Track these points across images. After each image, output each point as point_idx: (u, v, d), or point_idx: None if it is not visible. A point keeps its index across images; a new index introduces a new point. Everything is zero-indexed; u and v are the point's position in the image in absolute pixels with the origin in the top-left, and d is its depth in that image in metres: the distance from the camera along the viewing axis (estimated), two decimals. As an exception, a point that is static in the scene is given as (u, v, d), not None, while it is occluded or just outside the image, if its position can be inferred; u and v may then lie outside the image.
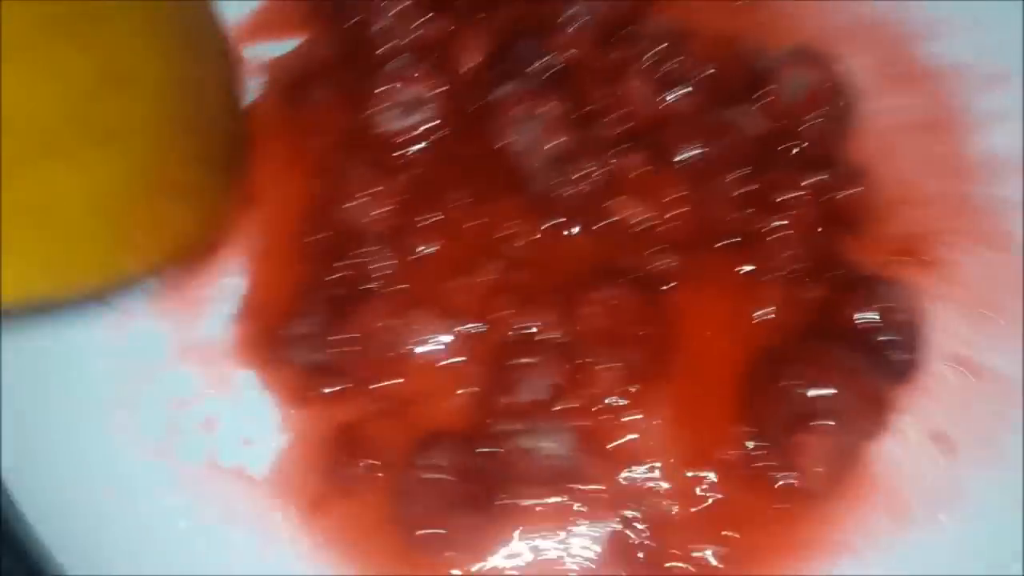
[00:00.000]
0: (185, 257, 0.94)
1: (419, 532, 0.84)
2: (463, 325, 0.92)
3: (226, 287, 0.97)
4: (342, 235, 0.96)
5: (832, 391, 0.80)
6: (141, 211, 0.79)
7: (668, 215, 0.94)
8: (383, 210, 0.96)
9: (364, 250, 0.94)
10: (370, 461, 0.90)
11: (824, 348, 0.84)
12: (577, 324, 0.90)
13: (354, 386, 0.91)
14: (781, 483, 0.83)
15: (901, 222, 0.97)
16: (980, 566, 0.85)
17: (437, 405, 0.90)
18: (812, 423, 0.79)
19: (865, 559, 0.84)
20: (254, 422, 0.92)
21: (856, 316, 0.87)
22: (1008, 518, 0.86)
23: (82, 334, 0.93)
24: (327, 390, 0.92)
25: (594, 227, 0.95)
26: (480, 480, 0.85)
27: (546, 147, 0.96)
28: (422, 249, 0.95)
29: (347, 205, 0.95)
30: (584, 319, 0.90)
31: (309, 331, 0.92)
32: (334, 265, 0.94)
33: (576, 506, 0.86)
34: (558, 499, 0.86)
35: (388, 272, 0.94)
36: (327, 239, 0.96)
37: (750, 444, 0.85)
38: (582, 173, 0.94)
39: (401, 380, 0.91)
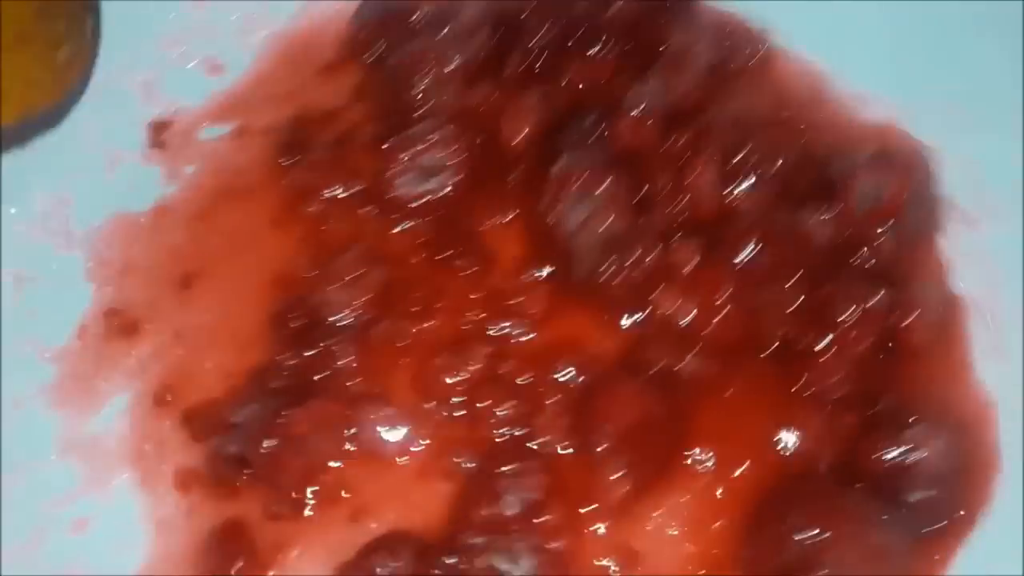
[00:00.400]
0: (30, 108, 0.92)
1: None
2: (439, 412, 0.88)
3: (142, 372, 0.93)
4: (312, 321, 0.91)
5: (834, 542, 0.76)
6: None
7: (715, 316, 0.89)
8: (360, 301, 0.92)
9: (328, 342, 0.90)
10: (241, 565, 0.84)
11: (840, 492, 0.80)
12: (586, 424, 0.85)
13: (262, 482, 0.86)
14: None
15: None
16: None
17: (400, 512, 0.85)
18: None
19: None
20: (128, 524, 0.87)
21: (886, 459, 0.82)
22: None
23: None
24: (239, 479, 0.87)
25: (635, 318, 0.91)
26: None
27: (600, 227, 0.91)
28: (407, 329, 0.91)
29: (329, 289, 0.92)
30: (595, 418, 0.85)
31: (244, 421, 0.87)
32: (291, 352, 0.90)
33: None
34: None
35: (349, 365, 0.89)
36: (296, 321, 0.92)
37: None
38: (632, 260, 0.90)
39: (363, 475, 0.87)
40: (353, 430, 0.87)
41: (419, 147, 0.95)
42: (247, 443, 0.85)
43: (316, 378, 0.89)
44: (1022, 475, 0.84)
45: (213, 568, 0.83)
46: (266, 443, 0.84)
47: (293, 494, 0.85)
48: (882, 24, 1.05)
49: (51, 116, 0.98)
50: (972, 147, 0.99)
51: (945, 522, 0.83)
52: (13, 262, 0.94)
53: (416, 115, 0.98)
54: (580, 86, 1.00)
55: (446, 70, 0.99)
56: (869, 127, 1.02)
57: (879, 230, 0.92)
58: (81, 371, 0.92)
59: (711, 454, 0.86)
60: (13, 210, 0.96)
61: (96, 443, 0.89)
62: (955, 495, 0.84)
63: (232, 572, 0.83)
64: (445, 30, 1.01)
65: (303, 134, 1.03)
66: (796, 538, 0.77)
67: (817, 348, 0.87)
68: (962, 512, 0.83)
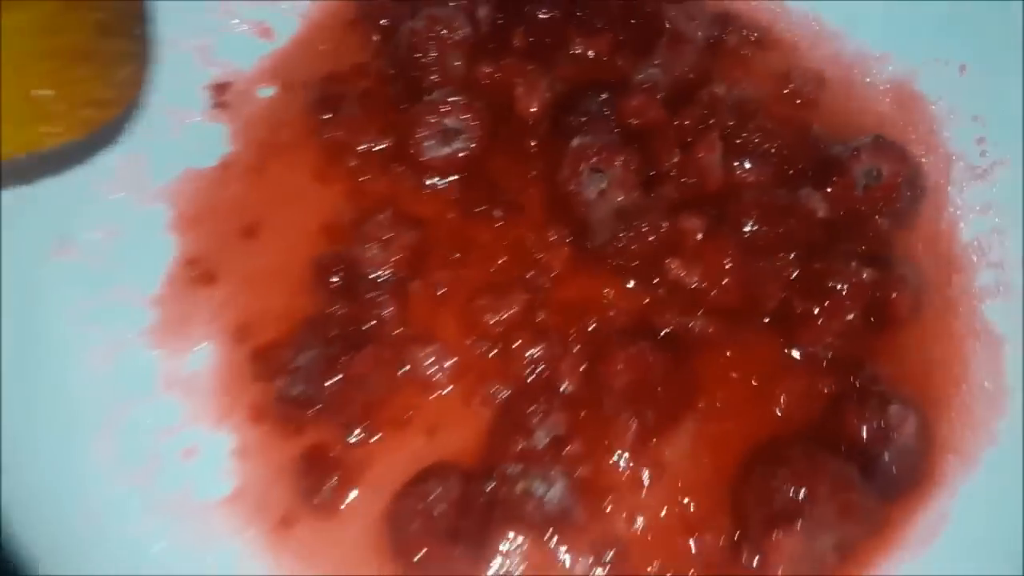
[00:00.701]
0: (96, 122, 0.95)
1: (403, 556, 0.89)
2: (477, 349, 0.98)
3: (220, 315, 1.02)
4: (353, 273, 1.00)
5: (816, 498, 0.86)
6: (51, 76, 0.85)
7: (717, 283, 0.99)
8: (394, 259, 1.00)
9: (373, 295, 0.99)
10: (336, 481, 0.93)
11: (823, 454, 0.89)
12: (602, 373, 0.95)
13: (331, 416, 0.95)
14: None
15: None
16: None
17: (446, 436, 0.95)
18: (790, 524, 0.85)
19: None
20: (230, 452, 0.96)
21: (862, 428, 0.91)
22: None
23: (73, 361, 0.97)
24: (306, 414, 0.96)
25: (644, 282, 1.00)
26: (472, 514, 0.89)
27: (615, 200, 1.00)
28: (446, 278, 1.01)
29: (365, 248, 1.00)
30: (610, 371, 0.95)
31: (304, 365, 0.96)
32: (340, 303, 0.99)
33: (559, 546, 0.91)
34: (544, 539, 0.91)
35: (392, 314, 0.99)
36: (338, 273, 1.01)
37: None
38: (644, 229, 0.99)
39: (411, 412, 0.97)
40: (406, 367, 0.98)
41: (438, 113, 1.03)
42: (310, 384, 0.95)
43: (365, 327, 0.99)
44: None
45: (309, 486, 0.93)
46: (328, 383, 0.94)
47: (356, 426, 0.96)
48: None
49: (114, 130, 1.05)
50: (977, 104, 1.07)
51: (908, 489, 0.93)
52: (100, 219, 1.05)
53: (429, 82, 1.07)
54: (586, 59, 1.09)
55: (453, 40, 1.07)
56: (868, 112, 1.09)
57: (879, 206, 1.00)
58: (172, 315, 1.02)
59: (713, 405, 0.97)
60: (95, 167, 1.06)
61: (192, 380, 0.99)
62: (919, 467, 0.94)
63: (328, 486, 0.93)
64: (451, 2, 1.09)
65: (335, 90, 1.12)
66: (781, 491, 0.87)
67: (810, 314, 0.96)
68: (922, 483, 0.93)
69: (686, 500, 0.93)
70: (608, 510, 0.93)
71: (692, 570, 0.91)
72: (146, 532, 0.92)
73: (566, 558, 0.91)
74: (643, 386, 0.94)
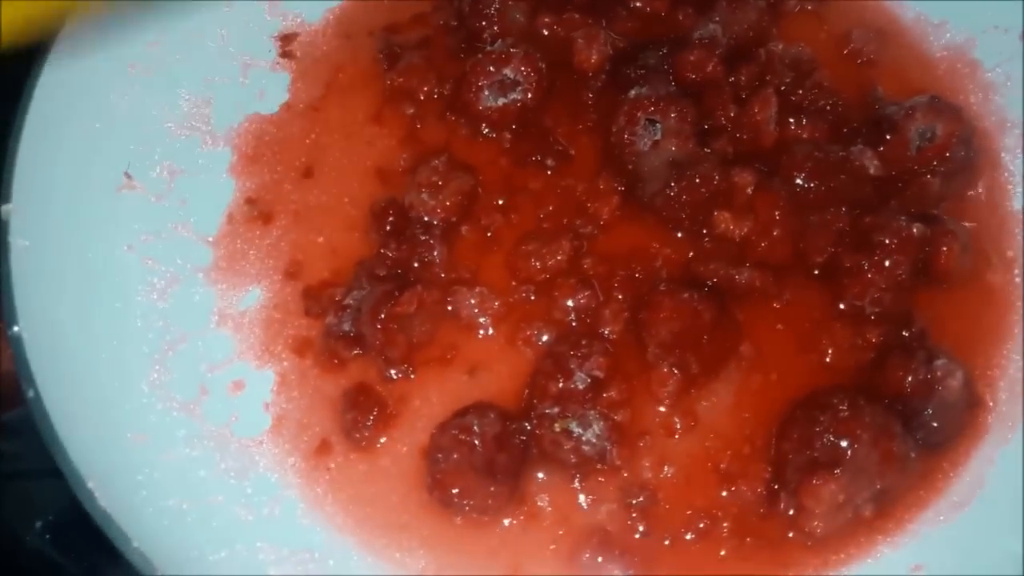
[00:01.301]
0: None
1: (440, 488, 0.90)
2: (521, 293, 0.99)
3: (275, 253, 1.04)
4: (404, 217, 1.02)
5: (858, 445, 0.85)
6: None
7: (767, 236, 0.99)
8: (447, 203, 1.01)
9: (424, 237, 1.01)
10: (377, 415, 0.95)
11: (867, 402, 0.88)
12: (646, 321, 0.95)
13: (376, 353, 0.96)
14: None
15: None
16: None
17: (487, 376, 0.97)
18: (830, 470, 0.85)
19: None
20: (274, 384, 0.99)
21: (907, 380, 0.90)
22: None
23: (132, 292, 1.00)
24: (352, 351, 0.98)
25: (692, 234, 1.01)
26: (509, 451, 0.90)
27: (668, 151, 1.01)
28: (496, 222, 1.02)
29: (419, 193, 1.02)
30: (655, 318, 0.95)
31: (353, 303, 0.98)
32: (391, 245, 1.01)
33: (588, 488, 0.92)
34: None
35: (440, 256, 1.01)
36: (391, 217, 1.02)
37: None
38: (696, 181, 1.00)
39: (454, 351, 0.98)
40: (451, 308, 0.99)
41: (497, 63, 1.05)
42: (359, 322, 0.98)
43: (415, 265, 1.01)
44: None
45: (352, 420, 0.95)
46: (376, 321, 0.96)
47: (400, 364, 0.98)
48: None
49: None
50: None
51: (949, 445, 0.93)
52: (165, 156, 1.08)
53: (489, 32, 1.09)
54: (646, 15, 1.10)
55: None
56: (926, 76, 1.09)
57: (931, 166, 1.00)
58: (230, 253, 1.05)
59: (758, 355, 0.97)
60: (162, 108, 1.09)
61: (245, 316, 1.02)
62: (960, 424, 0.93)
63: (369, 421, 0.95)
64: None
65: (397, 40, 1.15)
66: (822, 438, 0.87)
67: (859, 268, 0.96)
68: (963, 440, 0.93)
69: (725, 449, 0.93)
70: (643, 456, 0.93)
71: (726, 521, 0.91)
72: (192, 458, 0.94)
73: (594, 501, 0.92)
74: (687, 336, 0.94)
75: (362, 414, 0.96)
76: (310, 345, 1.01)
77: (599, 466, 0.92)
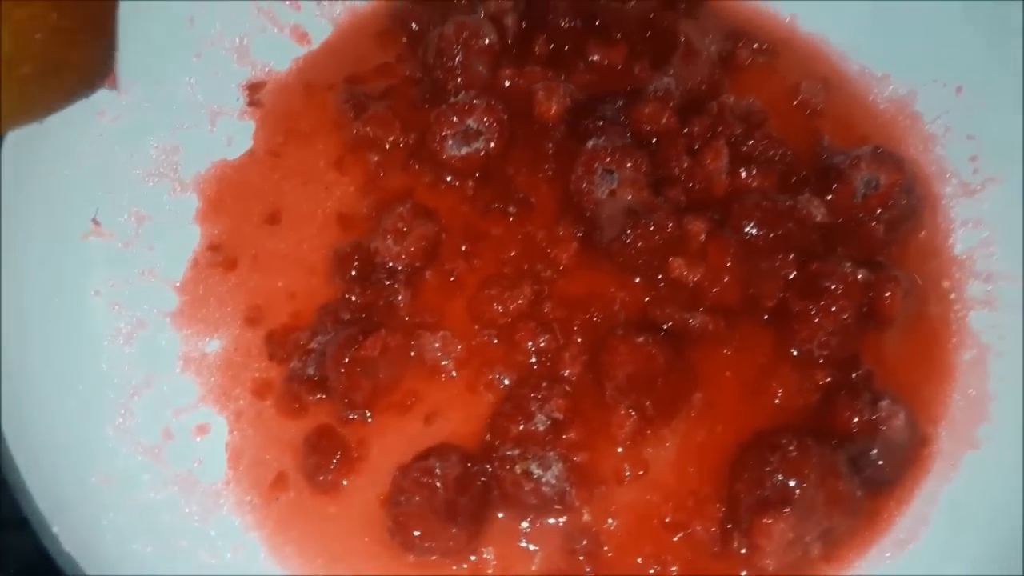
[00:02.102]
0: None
1: (402, 531, 0.90)
2: (483, 337, 1.01)
3: (239, 299, 1.05)
4: (369, 263, 1.04)
5: (806, 484, 0.87)
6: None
7: (718, 282, 1.02)
8: (410, 250, 1.03)
9: (388, 282, 1.03)
10: (340, 460, 0.96)
11: (814, 442, 0.90)
12: (604, 364, 0.97)
13: (339, 398, 0.97)
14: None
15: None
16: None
17: (448, 421, 0.98)
18: (780, 509, 0.86)
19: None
20: (239, 431, 0.99)
21: (853, 421, 0.93)
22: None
23: (98, 338, 1.00)
24: (314, 395, 0.99)
25: (648, 279, 1.03)
26: (470, 493, 0.91)
27: (624, 199, 1.04)
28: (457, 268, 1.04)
29: (384, 239, 1.03)
30: (612, 361, 0.97)
31: (318, 347, 0.99)
32: (356, 290, 1.03)
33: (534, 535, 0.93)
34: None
35: (404, 301, 1.02)
36: (355, 262, 1.04)
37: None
38: (651, 228, 1.02)
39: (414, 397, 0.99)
40: (414, 352, 1.00)
41: (461, 114, 1.07)
42: (322, 366, 0.98)
43: (380, 309, 1.02)
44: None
45: (314, 464, 0.96)
46: (340, 366, 0.96)
47: (363, 408, 0.99)
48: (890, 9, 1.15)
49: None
50: (971, 123, 1.11)
51: (894, 484, 0.95)
52: (133, 203, 1.08)
53: (453, 84, 1.11)
54: (604, 68, 1.13)
55: (479, 47, 1.11)
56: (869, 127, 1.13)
57: (875, 214, 1.03)
58: (195, 299, 1.06)
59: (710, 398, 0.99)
60: (131, 156, 1.10)
61: (209, 361, 1.03)
62: (905, 463, 0.96)
63: (332, 464, 0.96)
64: (480, 10, 1.14)
65: (363, 90, 1.17)
66: (772, 477, 0.89)
67: (806, 313, 0.98)
68: (907, 479, 0.96)
69: (677, 492, 0.95)
70: (599, 499, 0.94)
71: (675, 565, 0.92)
72: (156, 502, 0.94)
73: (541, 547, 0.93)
74: (643, 378, 0.96)
75: (325, 458, 0.96)
76: (272, 389, 1.01)
77: (557, 507, 0.93)
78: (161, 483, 0.95)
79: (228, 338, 1.04)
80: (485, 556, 0.93)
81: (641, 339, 0.97)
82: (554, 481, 0.92)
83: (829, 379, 0.98)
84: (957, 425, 1.00)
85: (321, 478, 0.96)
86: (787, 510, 0.87)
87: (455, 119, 1.08)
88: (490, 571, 0.92)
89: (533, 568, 0.92)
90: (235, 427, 1.00)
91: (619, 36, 1.18)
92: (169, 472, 0.96)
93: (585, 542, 0.93)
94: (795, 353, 1.00)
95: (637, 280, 1.04)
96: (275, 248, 1.08)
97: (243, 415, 1.00)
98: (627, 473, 0.96)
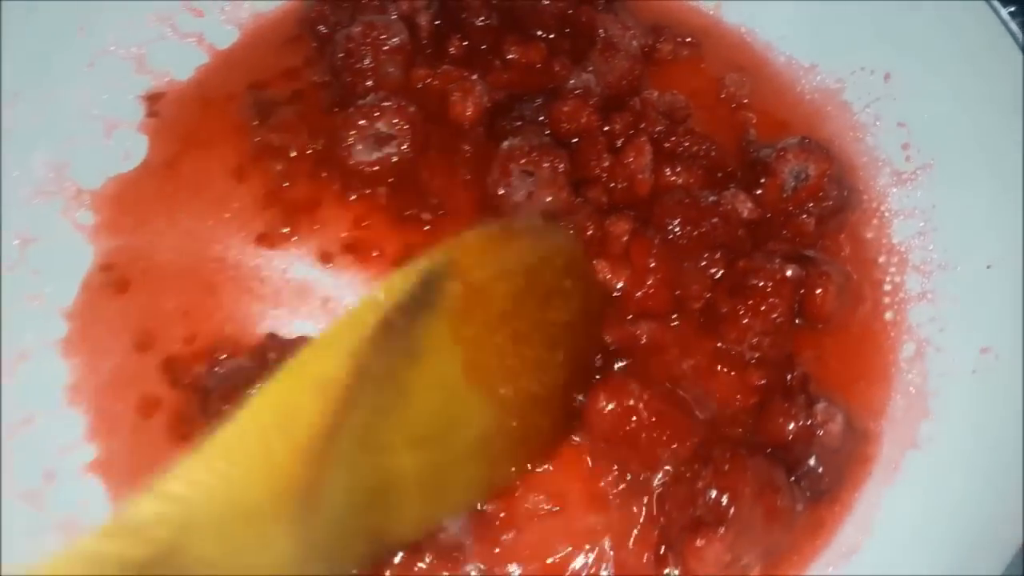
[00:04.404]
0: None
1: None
2: None
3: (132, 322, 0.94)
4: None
5: (741, 501, 0.80)
6: None
7: (644, 284, 0.94)
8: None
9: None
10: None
11: (747, 455, 0.82)
12: None
13: None
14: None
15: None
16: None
17: None
18: (713, 530, 0.79)
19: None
20: (126, 466, 0.88)
21: (788, 427, 0.85)
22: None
23: None
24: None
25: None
26: None
27: (543, 201, 0.96)
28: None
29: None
30: None
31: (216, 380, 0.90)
32: None
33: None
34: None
35: None
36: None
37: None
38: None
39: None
40: None
41: (370, 118, 0.98)
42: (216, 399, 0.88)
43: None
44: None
45: None
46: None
47: None
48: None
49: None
50: (901, 110, 1.04)
51: (834, 492, 0.87)
52: (18, 224, 0.98)
53: (363, 87, 1.02)
54: (522, 66, 1.05)
55: (389, 47, 1.03)
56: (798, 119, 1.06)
57: (806, 207, 0.96)
58: (86, 323, 0.95)
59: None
60: (16, 173, 1.00)
61: (97, 390, 0.92)
62: (845, 469, 0.88)
63: None
64: (391, 9, 1.06)
65: (269, 96, 1.08)
66: (704, 495, 0.81)
67: (735, 313, 0.90)
68: (848, 486, 0.88)
69: (611, 510, 0.87)
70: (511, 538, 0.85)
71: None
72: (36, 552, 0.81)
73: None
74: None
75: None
76: (165, 417, 0.91)
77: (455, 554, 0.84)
78: (40, 530, 0.84)
79: (119, 365, 0.93)
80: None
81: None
82: (458, 530, 0.84)
83: (763, 381, 0.90)
84: (897, 424, 0.92)
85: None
86: (722, 530, 0.79)
87: (363, 123, 0.99)
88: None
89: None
90: (121, 461, 0.89)
91: (537, 33, 1.10)
92: (49, 518, 0.85)
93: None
94: (726, 355, 0.92)
95: (561, 286, 0.94)
96: (167, 266, 0.98)
97: (131, 448, 0.90)
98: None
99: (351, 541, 0.73)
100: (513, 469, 0.83)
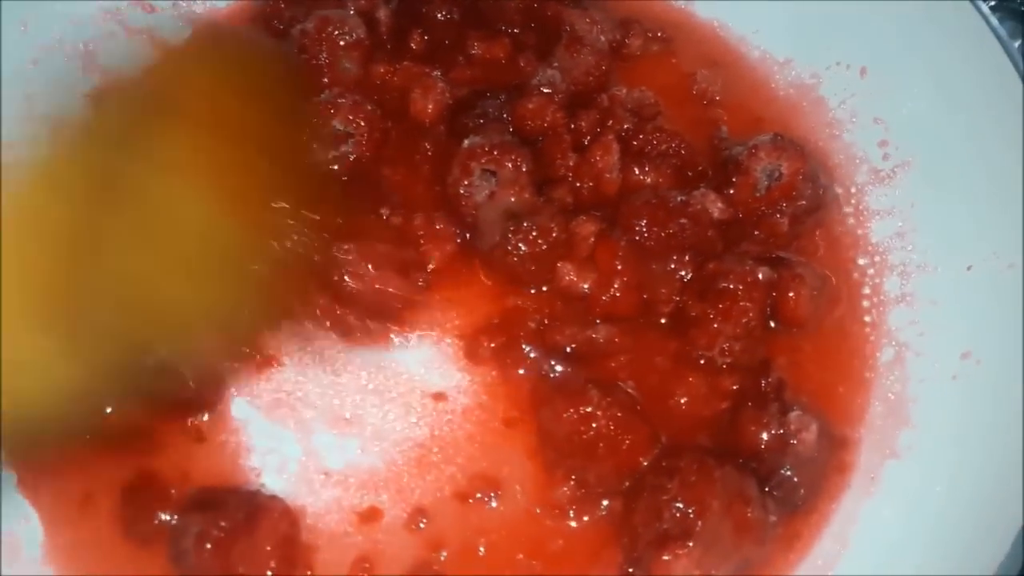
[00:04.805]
0: None
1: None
2: None
3: None
4: None
5: (709, 514, 0.75)
6: None
7: (611, 287, 0.90)
8: None
9: None
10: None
11: (715, 465, 0.78)
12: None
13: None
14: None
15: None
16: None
17: None
18: (681, 545, 0.74)
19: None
20: None
21: (761, 436, 0.81)
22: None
23: None
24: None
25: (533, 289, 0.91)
26: None
27: (506, 202, 0.92)
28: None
29: None
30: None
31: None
32: None
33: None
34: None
35: None
36: None
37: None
38: (534, 233, 0.90)
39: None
40: None
41: (325, 115, 0.94)
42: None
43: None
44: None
45: None
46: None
47: None
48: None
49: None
50: (878, 106, 1.00)
51: (810, 504, 0.83)
52: None
53: (319, 84, 0.98)
54: (486, 62, 1.01)
55: (346, 42, 0.99)
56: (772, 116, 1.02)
57: (779, 206, 0.92)
58: None
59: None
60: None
61: None
62: (820, 479, 0.84)
63: None
64: (349, 4, 1.02)
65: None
66: (671, 508, 0.77)
67: (705, 317, 0.86)
68: (824, 497, 0.84)
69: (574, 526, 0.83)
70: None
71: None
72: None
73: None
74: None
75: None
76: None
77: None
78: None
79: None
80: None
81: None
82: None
83: (736, 387, 0.86)
84: (876, 432, 0.88)
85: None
86: (690, 544, 0.74)
87: (317, 121, 0.95)
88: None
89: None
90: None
91: (501, 28, 1.06)
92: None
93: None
94: (697, 361, 0.88)
95: (533, 291, 0.91)
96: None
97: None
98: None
99: (114, 351, 0.72)
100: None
